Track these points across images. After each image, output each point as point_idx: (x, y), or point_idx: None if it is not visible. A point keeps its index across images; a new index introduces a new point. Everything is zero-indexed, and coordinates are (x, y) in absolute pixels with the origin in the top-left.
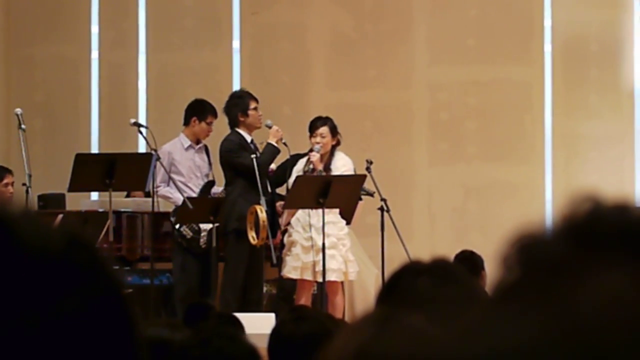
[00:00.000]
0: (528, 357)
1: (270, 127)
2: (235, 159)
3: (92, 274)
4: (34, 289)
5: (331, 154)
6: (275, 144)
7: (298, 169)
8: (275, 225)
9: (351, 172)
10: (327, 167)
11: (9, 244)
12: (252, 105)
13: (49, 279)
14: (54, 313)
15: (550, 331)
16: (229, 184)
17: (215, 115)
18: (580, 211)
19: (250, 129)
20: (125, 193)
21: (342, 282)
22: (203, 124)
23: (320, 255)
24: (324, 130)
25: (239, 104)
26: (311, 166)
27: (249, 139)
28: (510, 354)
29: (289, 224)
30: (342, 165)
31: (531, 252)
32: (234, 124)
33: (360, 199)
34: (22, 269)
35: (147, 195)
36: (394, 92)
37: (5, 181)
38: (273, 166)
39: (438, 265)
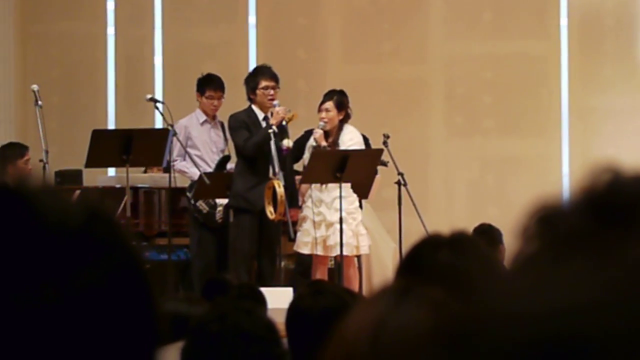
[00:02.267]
0: (599, 310)
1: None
2: (232, 136)
3: (112, 247)
4: (53, 263)
5: (339, 128)
6: (273, 126)
7: (309, 145)
8: (293, 201)
9: (359, 145)
10: (336, 143)
11: (29, 218)
12: (262, 84)
13: (68, 253)
14: (74, 287)
15: (609, 287)
16: (235, 160)
17: (215, 88)
18: (599, 182)
19: (262, 107)
20: (142, 169)
21: (356, 256)
22: (203, 99)
23: (331, 229)
24: (328, 105)
25: (249, 82)
26: (314, 143)
27: (261, 115)
28: (578, 309)
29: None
30: (348, 139)
31: (551, 223)
32: (249, 99)
33: (376, 172)
34: (42, 243)
35: (165, 170)
36: (410, 66)
37: (26, 158)
38: (289, 143)
39: (458, 239)
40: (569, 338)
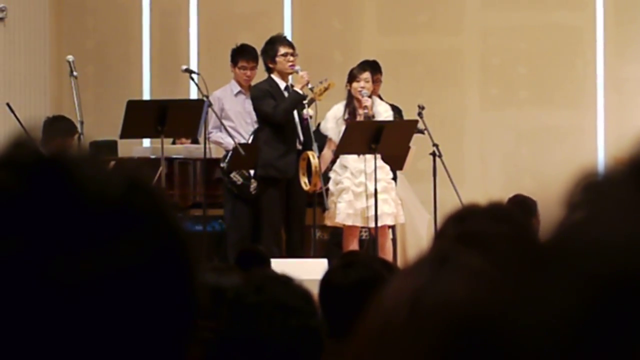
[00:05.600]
0: None
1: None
2: (258, 106)
3: (153, 218)
4: (93, 235)
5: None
6: (300, 90)
7: (336, 115)
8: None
9: (392, 118)
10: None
11: (69, 189)
12: (281, 51)
13: (108, 224)
14: (114, 259)
15: None
16: (259, 130)
17: (248, 58)
18: None
19: (282, 75)
20: (171, 140)
21: (391, 227)
22: (236, 69)
23: (371, 200)
24: (367, 75)
25: (267, 51)
26: (367, 111)
27: (282, 85)
28: None
29: (328, 169)
30: (384, 110)
31: (596, 192)
32: (267, 70)
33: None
34: (82, 214)
35: (194, 142)
36: (445, 37)
37: (75, 137)
38: (311, 112)
39: (493, 209)
40: None
